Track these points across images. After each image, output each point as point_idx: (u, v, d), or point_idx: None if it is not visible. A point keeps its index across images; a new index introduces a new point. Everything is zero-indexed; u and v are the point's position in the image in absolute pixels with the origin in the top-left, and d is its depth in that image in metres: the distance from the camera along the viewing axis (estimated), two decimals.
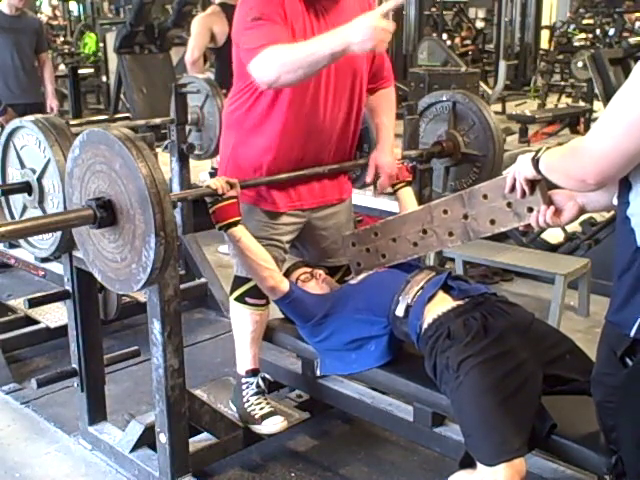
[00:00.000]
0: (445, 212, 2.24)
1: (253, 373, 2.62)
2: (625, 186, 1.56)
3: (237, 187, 2.30)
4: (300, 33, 2.32)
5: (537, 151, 1.80)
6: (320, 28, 2.35)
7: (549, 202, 1.90)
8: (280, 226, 2.53)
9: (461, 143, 3.06)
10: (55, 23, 15.71)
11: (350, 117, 2.54)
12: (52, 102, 5.56)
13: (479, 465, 1.90)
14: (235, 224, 2.32)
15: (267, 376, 2.64)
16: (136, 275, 2.01)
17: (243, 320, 2.59)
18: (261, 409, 2.59)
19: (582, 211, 1.89)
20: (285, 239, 2.56)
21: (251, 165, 2.48)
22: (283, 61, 2.16)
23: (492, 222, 2.11)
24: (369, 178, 2.67)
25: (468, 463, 1.96)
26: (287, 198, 2.53)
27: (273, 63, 2.17)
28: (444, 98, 3.13)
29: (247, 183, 2.42)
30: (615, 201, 1.65)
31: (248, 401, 2.60)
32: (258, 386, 2.60)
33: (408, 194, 2.71)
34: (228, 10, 4.83)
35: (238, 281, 2.60)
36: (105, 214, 2.01)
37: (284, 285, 2.42)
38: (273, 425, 2.57)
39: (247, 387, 2.61)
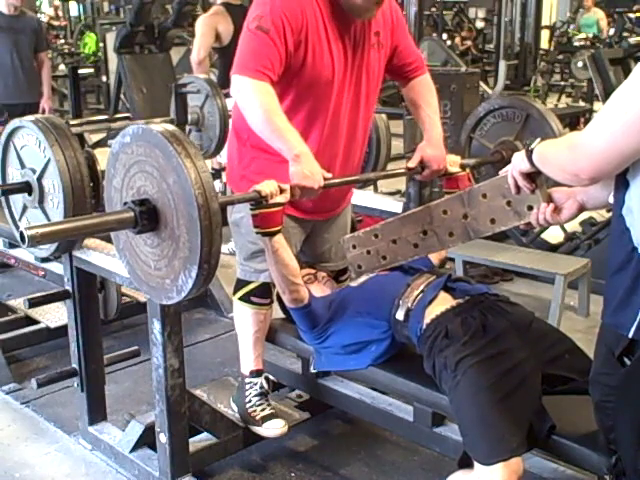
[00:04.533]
0: (445, 212, 2.24)
1: (257, 373, 2.61)
2: (622, 184, 1.55)
3: (287, 193, 2.13)
4: (317, 49, 2.27)
5: (531, 143, 1.79)
6: (341, 44, 2.31)
7: (549, 200, 1.90)
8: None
9: None
10: (57, 24, 15.70)
11: (366, 127, 2.51)
12: (46, 103, 5.55)
13: (476, 465, 1.90)
14: (275, 234, 2.20)
15: (271, 377, 2.63)
16: (169, 292, 1.92)
17: (247, 320, 2.57)
18: (262, 410, 2.58)
19: (582, 209, 1.87)
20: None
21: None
22: (257, 110, 2.20)
23: (492, 221, 2.11)
24: (412, 164, 2.51)
25: (466, 463, 1.96)
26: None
27: (251, 102, 2.21)
28: (519, 105, 2.96)
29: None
30: (611, 199, 1.64)
31: (250, 401, 2.60)
32: (262, 387, 2.60)
33: None
34: (232, 10, 4.87)
35: (241, 283, 2.58)
36: (147, 222, 1.87)
37: (305, 297, 2.40)
38: (273, 429, 2.57)
39: (250, 387, 2.60)
